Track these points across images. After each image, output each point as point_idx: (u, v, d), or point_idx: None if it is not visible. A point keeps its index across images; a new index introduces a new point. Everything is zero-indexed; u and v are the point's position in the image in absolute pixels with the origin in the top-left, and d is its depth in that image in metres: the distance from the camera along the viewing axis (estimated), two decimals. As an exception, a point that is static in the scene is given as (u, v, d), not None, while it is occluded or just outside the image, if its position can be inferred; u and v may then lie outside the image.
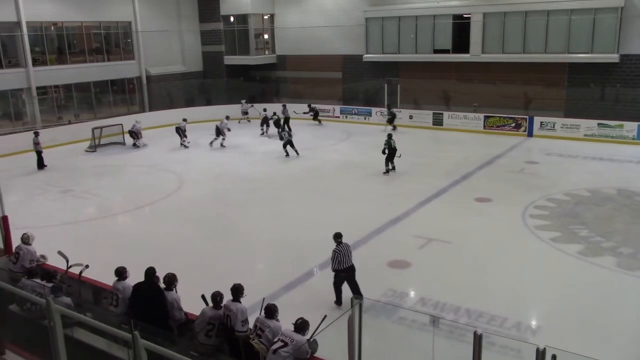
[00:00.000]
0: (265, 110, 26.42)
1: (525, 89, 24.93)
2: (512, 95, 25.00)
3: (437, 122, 26.19)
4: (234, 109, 29.14)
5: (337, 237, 9.52)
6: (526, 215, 13.97)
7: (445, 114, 26.09)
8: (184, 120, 24.06)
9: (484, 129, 25.01)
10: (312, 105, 28.21)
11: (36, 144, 20.25)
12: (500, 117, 24.74)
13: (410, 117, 26.82)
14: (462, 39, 26.06)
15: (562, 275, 10.82)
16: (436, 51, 26.95)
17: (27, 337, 6.31)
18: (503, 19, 25.01)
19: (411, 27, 27.41)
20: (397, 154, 18.12)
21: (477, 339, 5.05)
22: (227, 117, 24.34)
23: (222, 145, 23.41)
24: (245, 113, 28.90)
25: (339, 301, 9.55)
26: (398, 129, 25.40)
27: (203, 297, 7.27)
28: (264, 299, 7.16)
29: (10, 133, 23.97)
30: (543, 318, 9.41)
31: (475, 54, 25.79)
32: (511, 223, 13.55)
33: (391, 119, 25.78)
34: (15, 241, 9.81)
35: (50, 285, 7.59)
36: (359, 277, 9.54)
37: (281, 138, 21.60)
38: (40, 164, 20.36)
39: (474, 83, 25.86)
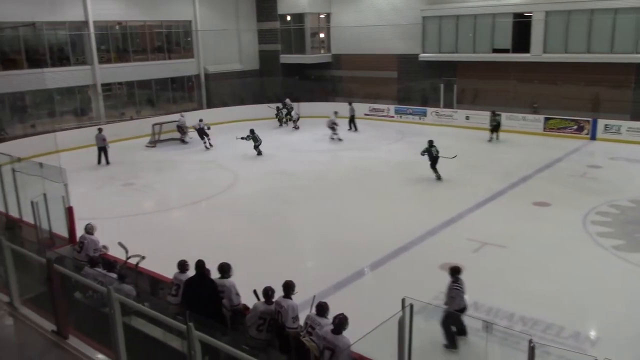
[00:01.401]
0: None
1: (589, 91, 23.98)
2: (574, 96, 24.09)
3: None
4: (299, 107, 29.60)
5: (456, 272, 8.23)
6: (587, 221, 13.46)
7: (504, 115, 25.43)
8: (200, 120, 23.96)
9: (544, 131, 24.24)
10: (287, 103, 28.26)
11: (102, 140, 20.98)
12: (562, 119, 23.91)
13: (467, 117, 26.32)
14: (523, 38, 25.34)
15: (624, 285, 10.36)
16: (495, 50, 26.34)
17: (89, 323, 6.59)
18: (567, 18, 24.14)
19: (470, 26, 26.88)
20: (452, 154, 17.72)
21: (531, 349, 4.91)
22: (335, 113, 24.77)
23: (338, 139, 23.88)
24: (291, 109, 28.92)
25: (452, 344, 8.27)
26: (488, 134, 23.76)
27: (255, 292, 7.39)
28: (314, 296, 7.20)
29: (76, 128, 25.08)
30: (603, 329, 9.04)
31: (536, 53, 25.02)
32: (571, 229, 13.08)
33: (496, 126, 23.35)
34: (79, 231, 10.27)
35: (113, 275, 7.93)
36: (410, 279, 9.44)
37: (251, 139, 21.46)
38: (106, 159, 21.06)
39: (534, 84, 25.10)
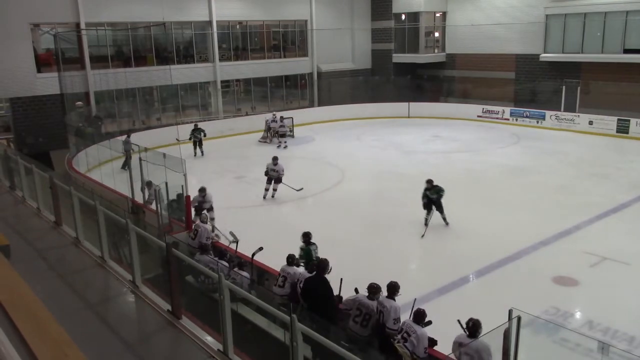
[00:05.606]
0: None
1: None
2: None
3: (622, 129, 23.65)
4: (399, 107, 29.39)
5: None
6: None
7: (633, 120, 23.45)
8: (274, 114, 23.60)
9: (681, 140, 22.06)
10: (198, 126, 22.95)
11: (126, 143, 18.85)
12: (703, 127, 21.61)
13: (590, 122, 24.59)
14: (661, 37, 23.22)
15: None
16: (627, 51, 24.34)
17: (199, 306, 6.98)
18: None
19: (598, 24, 25.06)
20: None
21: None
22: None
23: None
24: (278, 133, 24.15)
25: None
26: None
27: (356, 290, 7.44)
28: (415, 299, 7.10)
29: (198, 122, 26.56)
30: None
31: (675, 54, 22.82)
32: None
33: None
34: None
35: (225, 263, 8.37)
36: (519, 290, 8.98)
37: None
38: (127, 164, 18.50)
39: (672, 88, 22.91)
